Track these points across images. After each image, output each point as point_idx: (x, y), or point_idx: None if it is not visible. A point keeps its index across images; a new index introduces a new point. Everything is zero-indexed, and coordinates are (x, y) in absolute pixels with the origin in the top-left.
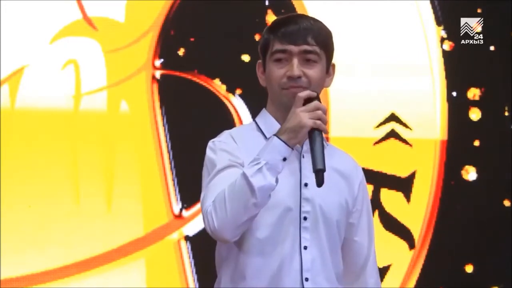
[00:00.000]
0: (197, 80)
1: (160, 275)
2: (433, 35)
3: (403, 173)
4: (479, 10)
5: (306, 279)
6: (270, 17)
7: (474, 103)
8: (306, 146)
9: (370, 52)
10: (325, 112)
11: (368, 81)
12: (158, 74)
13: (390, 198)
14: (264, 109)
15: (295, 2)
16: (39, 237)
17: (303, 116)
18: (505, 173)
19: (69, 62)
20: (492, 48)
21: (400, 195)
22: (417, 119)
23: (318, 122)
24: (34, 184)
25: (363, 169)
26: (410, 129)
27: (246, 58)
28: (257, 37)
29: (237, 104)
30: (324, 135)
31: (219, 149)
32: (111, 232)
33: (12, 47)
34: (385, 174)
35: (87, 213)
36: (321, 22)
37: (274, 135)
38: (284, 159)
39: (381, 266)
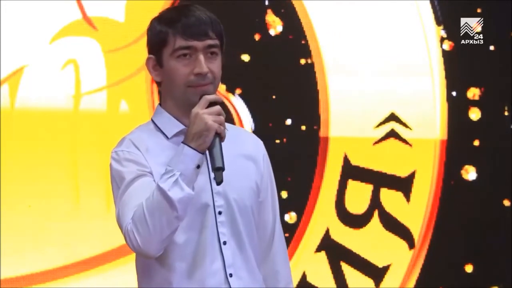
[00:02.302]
0: None
1: None
2: (433, 35)
3: (403, 173)
4: (479, 10)
5: (230, 275)
6: (270, 17)
7: (474, 103)
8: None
9: (370, 52)
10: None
11: (368, 81)
12: None
13: (390, 198)
14: (159, 106)
15: (295, 2)
16: (39, 237)
17: (208, 118)
18: (505, 173)
19: (69, 62)
20: (492, 48)
21: (400, 195)
22: (417, 119)
23: (222, 127)
24: (34, 184)
25: (363, 168)
26: (410, 129)
27: (246, 58)
28: (257, 37)
29: (237, 104)
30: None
31: (124, 159)
32: (111, 232)
33: (12, 47)
34: (385, 174)
35: (87, 213)
36: (209, 12)
37: (183, 143)
38: (198, 167)
39: (381, 266)
